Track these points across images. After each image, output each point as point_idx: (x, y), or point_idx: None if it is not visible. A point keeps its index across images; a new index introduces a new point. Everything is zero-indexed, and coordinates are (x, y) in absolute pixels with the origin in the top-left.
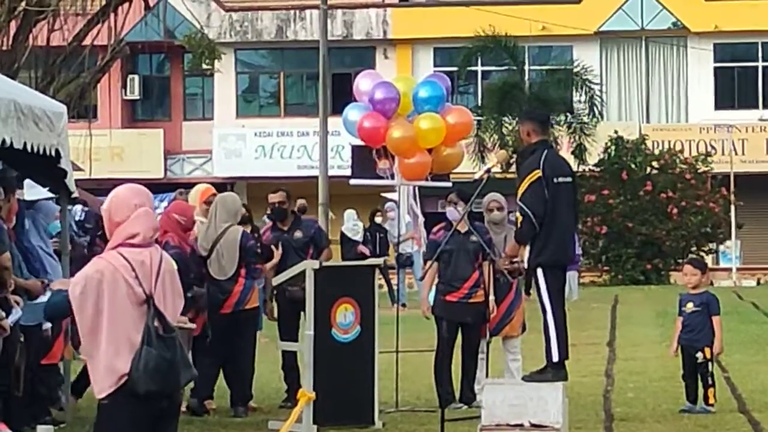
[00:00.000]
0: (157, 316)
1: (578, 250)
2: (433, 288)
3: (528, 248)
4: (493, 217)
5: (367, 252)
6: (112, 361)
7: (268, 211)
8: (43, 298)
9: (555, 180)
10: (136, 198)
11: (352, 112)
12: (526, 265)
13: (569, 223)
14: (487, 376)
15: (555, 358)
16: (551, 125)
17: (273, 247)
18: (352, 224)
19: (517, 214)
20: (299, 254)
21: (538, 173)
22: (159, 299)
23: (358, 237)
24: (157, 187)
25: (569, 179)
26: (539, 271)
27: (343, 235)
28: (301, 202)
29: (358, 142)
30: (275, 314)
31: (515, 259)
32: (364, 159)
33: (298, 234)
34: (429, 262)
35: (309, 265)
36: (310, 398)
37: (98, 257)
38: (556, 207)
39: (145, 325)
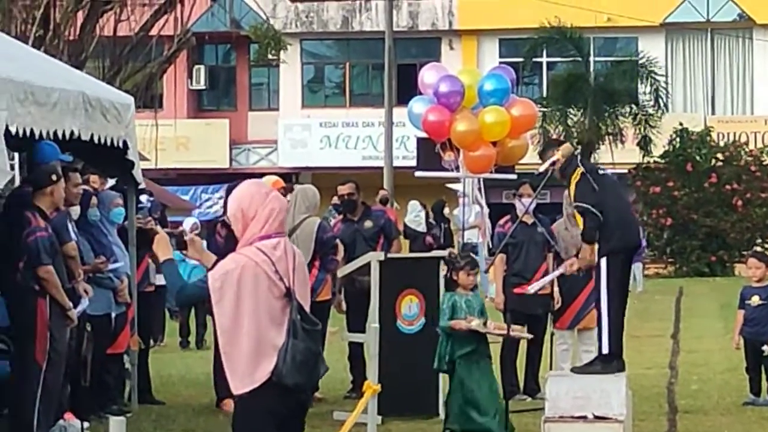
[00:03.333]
0: (298, 309)
1: (643, 242)
2: (489, 280)
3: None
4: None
5: (433, 242)
6: (255, 356)
7: (333, 202)
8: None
9: (598, 171)
10: (263, 187)
11: (417, 105)
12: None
13: (626, 207)
14: (551, 368)
15: (605, 349)
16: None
17: (339, 241)
18: (414, 216)
19: (577, 217)
20: (369, 245)
21: (580, 170)
22: (297, 292)
23: (421, 228)
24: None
25: (608, 171)
26: (603, 261)
27: (406, 226)
28: (383, 193)
29: (424, 134)
30: (343, 306)
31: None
32: (429, 151)
33: (368, 224)
34: (496, 254)
35: (374, 257)
36: (375, 390)
37: (237, 253)
38: (608, 194)
39: (290, 318)
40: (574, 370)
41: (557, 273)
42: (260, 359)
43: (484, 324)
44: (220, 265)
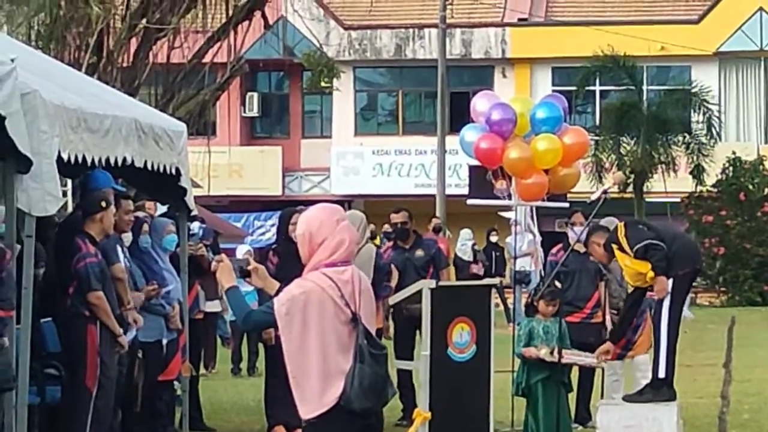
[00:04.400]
0: (365, 334)
1: None
2: None
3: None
4: None
5: (479, 272)
6: (323, 382)
7: (384, 229)
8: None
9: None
10: (336, 214)
11: (469, 133)
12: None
13: (680, 233)
14: (602, 396)
15: (661, 374)
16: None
17: (393, 266)
18: (461, 244)
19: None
20: (419, 273)
21: (620, 226)
22: (363, 317)
23: (467, 257)
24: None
25: None
26: (669, 284)
27: (456, 255)
28: (435, 221)
29: (476, 162)
30: (391, 333)
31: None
32: (481, 179)
33: (419, 253)
34: (546, 282)
35: (426, 285)
36: (425, 417)
37: (303, 278)
38: (658, 227)
39: (356, 343)
40: (626, 398)
41: (588, 362)
42: (328, 384)
43: (552, 353)
44: (285, 291)
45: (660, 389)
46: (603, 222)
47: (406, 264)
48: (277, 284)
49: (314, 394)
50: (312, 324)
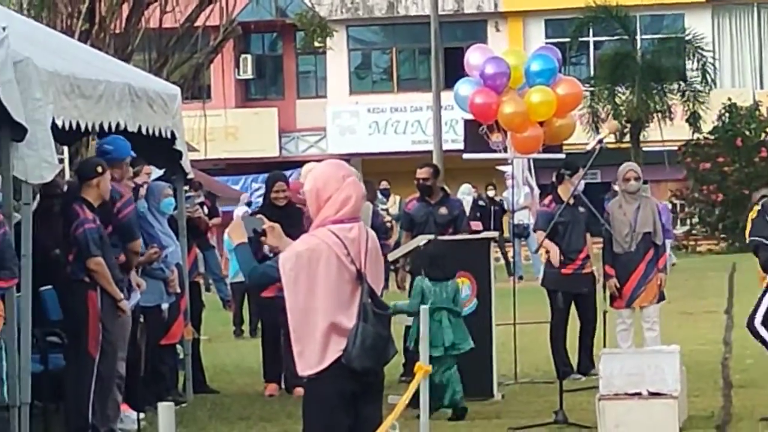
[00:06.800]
0: (369, 293)
1: (668, 226)
2: (542, 260)
3: None
4: (630, 186)
5: (479, 227)
6: (325, 339)
7: (381, 186)
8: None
9: None
10: (342, 170)
11: (463, 88)
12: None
13: None
14: (604, 345)
15: None
16: None
17: (392, 223)
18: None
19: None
20: (439, 230)
21: (757, 207)
22: (369, 275)
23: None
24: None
25: None
26: None
27: None
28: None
29: (471, 117)
30: (407, 284)
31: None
32: (476, 134)
33: (443, 210)
34: (540, 233)
35: (422, 240)
36: (427, 371)
37: (309, 234)
38: None
39: (360, 302)
40: None
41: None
42: (329, 341)
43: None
44: (291, 247)
45: None
46: (623, 167)
47: (428, 218)
48: (292, 243)
49: (315, 351)
50: (316, 281)
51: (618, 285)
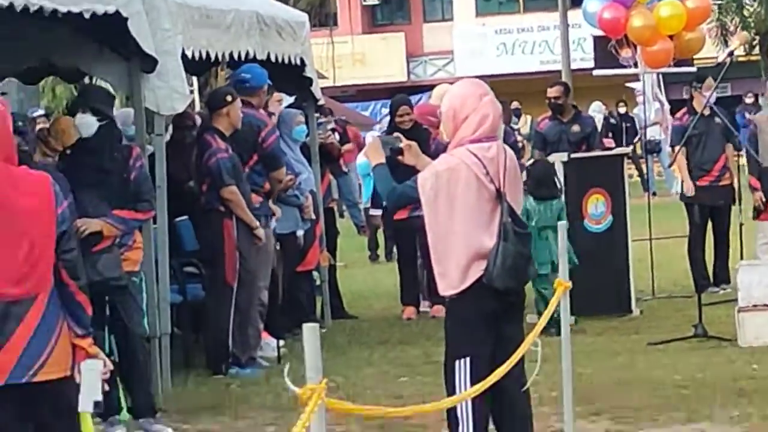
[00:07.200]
0: (509, 212)
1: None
2: (675, 175)
3: None
4: None
5: (611, 144)
6: (466, 259)
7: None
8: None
9: None
10: (480, 89)
11: (591, 4)
12: None
13: None
14: (741, 258)
15: None
16: None
17: (523, 143)
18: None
19: None
20: (572, 147)
21: None
22: (508, 194)
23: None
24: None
25: None
26: None
27: None
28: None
29: (600, 33)
30: None
31: None
32: (606, 50)
33: (575, 128)
34: (677, 147)
35: (558, 158)
36: (566, 286)
37: (448, 154)
38: None
39: (500, 221)
40: None
41: None
42: (471, 261)
43: None
44: (430, 167)
45: None
46: None
47: (560, 136)
48: (430, 162)
49: (457, 271)
50: (456, 200)
51: (764, 198)
